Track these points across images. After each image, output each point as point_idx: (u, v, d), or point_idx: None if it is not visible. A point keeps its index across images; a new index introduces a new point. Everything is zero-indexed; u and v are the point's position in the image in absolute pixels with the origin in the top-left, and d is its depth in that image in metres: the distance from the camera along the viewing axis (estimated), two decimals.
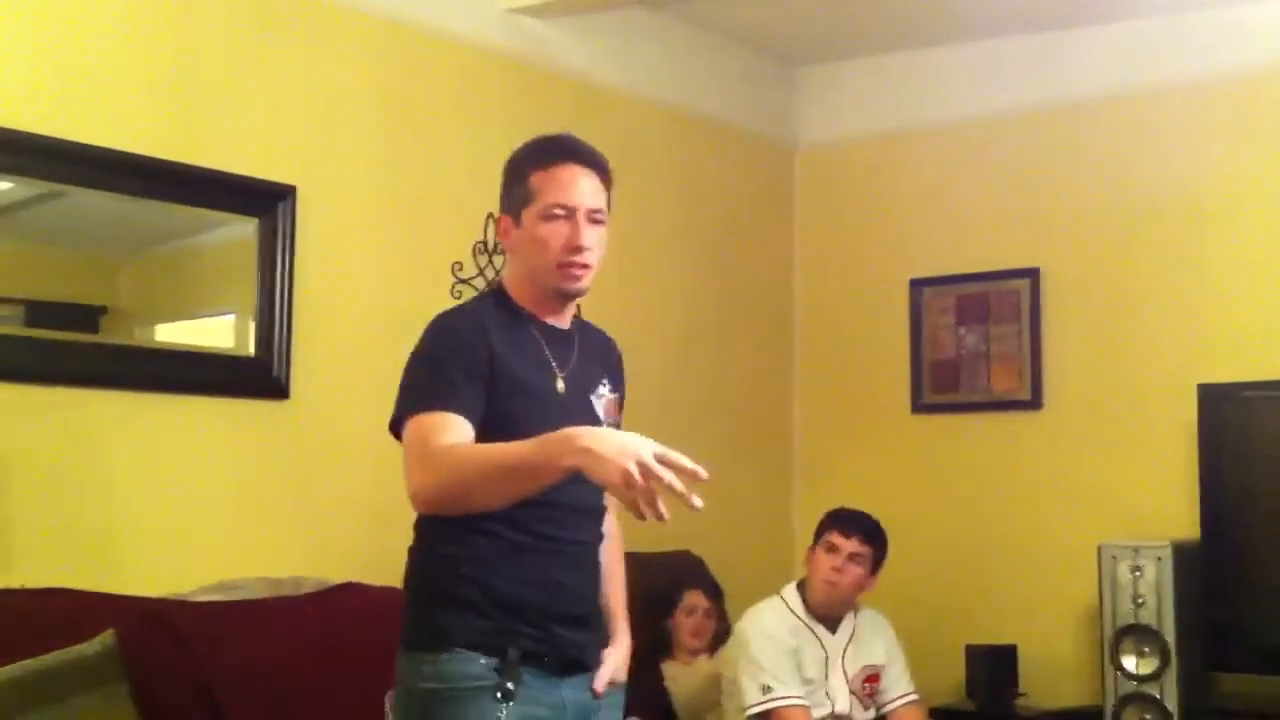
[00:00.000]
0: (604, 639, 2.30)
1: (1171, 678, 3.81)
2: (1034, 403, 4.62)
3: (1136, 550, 3.89)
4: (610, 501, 2.34)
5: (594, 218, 2.21)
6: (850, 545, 3.62)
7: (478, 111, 4.01)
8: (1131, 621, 3.86)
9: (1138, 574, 3.87)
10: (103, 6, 3.17)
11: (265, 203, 3.43)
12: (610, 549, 2.38)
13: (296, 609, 3.10)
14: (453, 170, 3.91)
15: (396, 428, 2.13)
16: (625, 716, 2.39)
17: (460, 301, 2.54)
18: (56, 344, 3.07)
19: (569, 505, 2.17)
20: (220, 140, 3.36)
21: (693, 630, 3.99)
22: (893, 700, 3.72)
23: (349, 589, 3.28)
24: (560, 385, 2.21)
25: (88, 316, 3.19)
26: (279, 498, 3.44)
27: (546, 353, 2.22)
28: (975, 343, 4.75)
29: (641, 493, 1.80)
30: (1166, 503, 4.23)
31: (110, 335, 3.21)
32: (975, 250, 4.76)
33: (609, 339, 2.43)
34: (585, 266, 2.21)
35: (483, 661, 2.09)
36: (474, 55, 4.01)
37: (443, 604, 2.14)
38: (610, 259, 4.34)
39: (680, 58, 4.73)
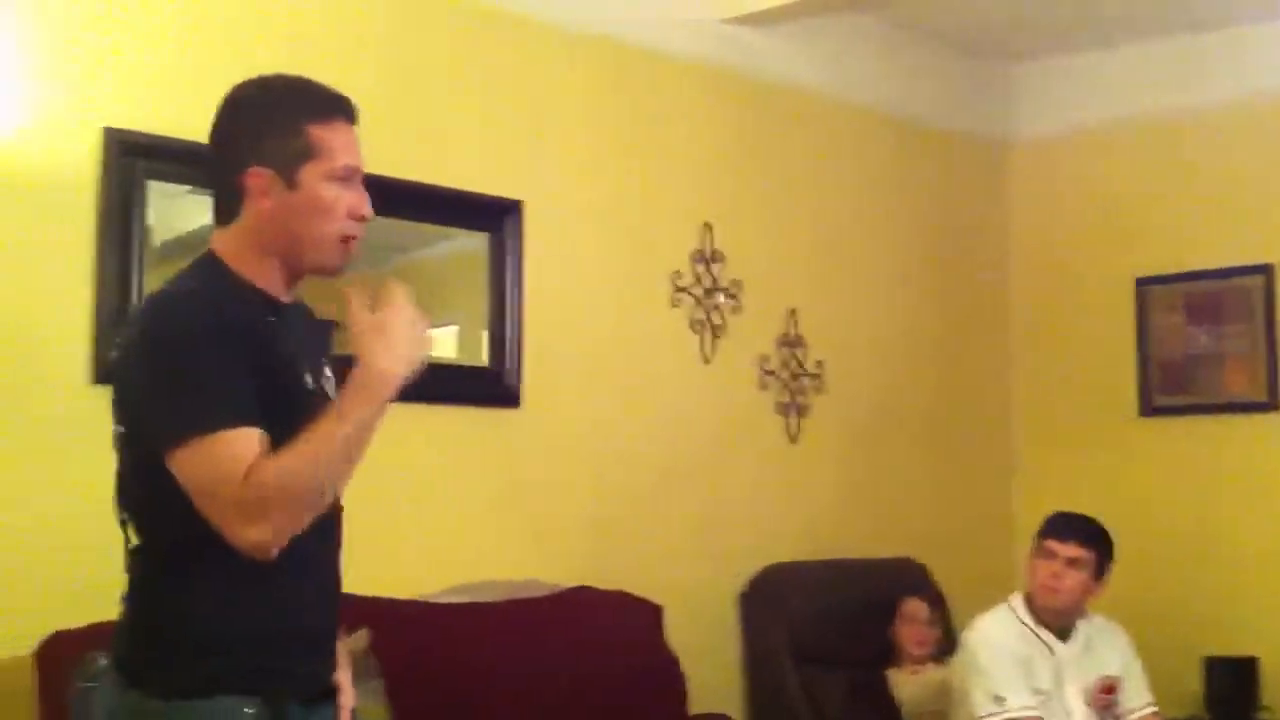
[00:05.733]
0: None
1: None
2: (1270, 404, 4.44)
3: None
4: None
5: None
6: (1067, 550, 3.49)
7: (694, 123, 4.05)
8: None
9: None
10: (335, 37, 3.29)
11: (494, 218, 3.53)
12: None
13: (537, 610, 3.18)
14: (670, 181, 3.97)
15: (168, 449, 1.69)
16: None
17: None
18: None
19: None
20: (449, 158, 3.48)
21: (916, 639, 3.94)
22: (1133, 711, 3.59)
23: (582, 592, 3.36)
24: (309, 379, 1.86)
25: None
26: (510, 503, 3.53)
27: (291, 341, 1.85)
28: (1207, 343, 4.58)
29: None
30: None
31: (347, 347, 3.32)
32: (1203, 247, 4.60)
33: (323, 319, 1.99)
34: (356, 239, 1.86)
35: (247, 710, 1.75)
36: (689, 68, 4.06)
37: (195, 644, 1.76)
38: (826, 264, 4.41)
39: (892, 61, 4.69)
